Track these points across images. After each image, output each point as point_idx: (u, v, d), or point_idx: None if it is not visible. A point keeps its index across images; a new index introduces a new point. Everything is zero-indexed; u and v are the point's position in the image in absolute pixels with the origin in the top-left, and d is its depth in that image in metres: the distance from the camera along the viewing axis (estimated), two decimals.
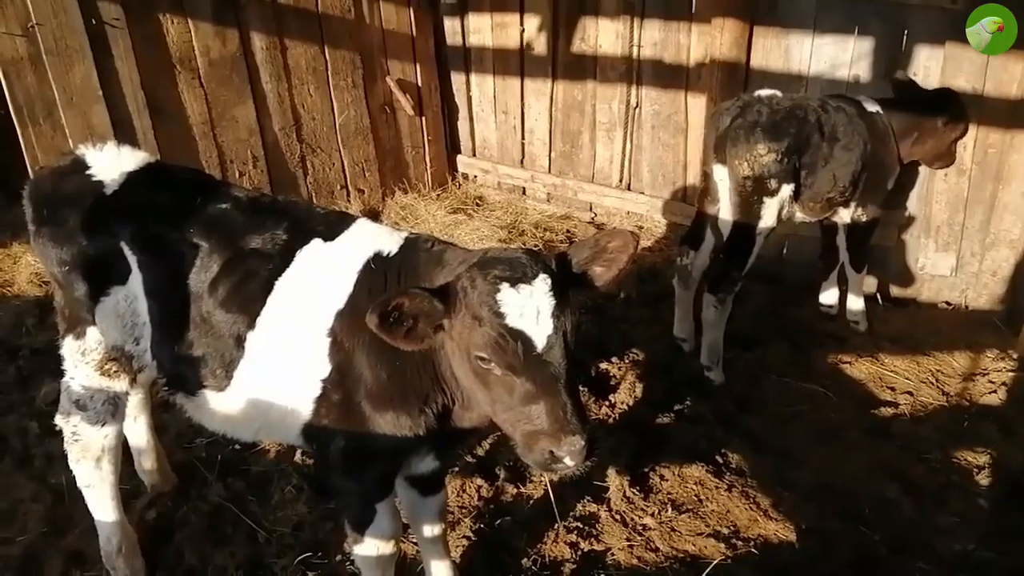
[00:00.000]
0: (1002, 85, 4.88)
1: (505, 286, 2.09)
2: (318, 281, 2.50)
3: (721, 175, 4.47)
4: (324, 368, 2.44)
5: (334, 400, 2.45)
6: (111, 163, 2.77)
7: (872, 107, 4.70)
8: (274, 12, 5.70)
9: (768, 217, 4.37)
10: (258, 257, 2.55)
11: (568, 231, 6.70)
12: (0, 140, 5.44)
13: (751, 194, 4.32)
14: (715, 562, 3.35)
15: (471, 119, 7.33)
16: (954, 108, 4.76)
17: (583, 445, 2.08)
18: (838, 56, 5.36)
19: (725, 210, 4.50)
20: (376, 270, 2.45)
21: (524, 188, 7.26)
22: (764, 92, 4.46)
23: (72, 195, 2.70)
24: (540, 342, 2.09)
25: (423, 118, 7.02)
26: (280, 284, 2.51)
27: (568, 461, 2.10)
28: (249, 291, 2.53)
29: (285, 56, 5.86)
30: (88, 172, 2.74)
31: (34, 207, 2.78)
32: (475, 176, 7.49)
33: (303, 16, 5.89)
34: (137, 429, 3.48)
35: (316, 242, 2.57)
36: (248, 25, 5.58)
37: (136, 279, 2.67)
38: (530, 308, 2.09)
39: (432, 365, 2.40)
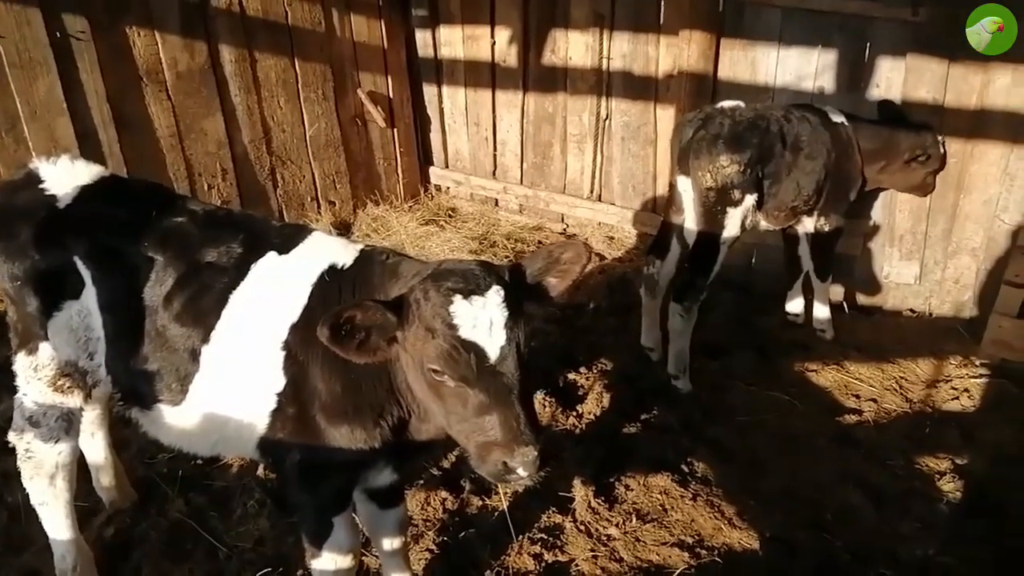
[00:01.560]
0: (962, 96, 4.97)
1: (458, 298, 2.10)
2: (272, 294, 2.49)
3: (685, 186, 4.51)
4: (279, 381, 2.43)
5: (289, 413, 2.44)
6: (64, 177, 2.75)
7: (837, 117, 4.77)
8: (243, 24, 5.69)
9: (732, 227, 4.42)
10: (213, 270, 2.54)
11: (540, 242, 6.73)
12: None
13: (714, 204, 4.37)
14: (679, 571, 3.37)
15: (443, 131, 7.34)
16: (924, 146, 4.85)
17: (536, 456, 2.09)
18: (803, 68, 5.43)
19: (690, 220, 4.55)
20: (330, 283, 2.45)
21: (497, 199, 7.29)
22: (727, 104, 4.52)
23: (24, 209, 2.67)
24: (493, 353, 2.10)
25: (395, 130, 7.02)
26: (235, 297, 2.50)
27: (521, 472, 2.11)
28: (204, 304, 2.52)
29: (255, 68, 5.85)
30: (41, 186, 2.71)
31: None
32: (448, 187, 7.51)
33: (273, 28, 5.88)
34: (95, 445, 3.43)
35: (271, 255, 2.56)
36: (217, 37, 5.56)
37: (90, 293, 2.64)
38: (483, 320, 2.10)
39: (387, 377, 2.40)
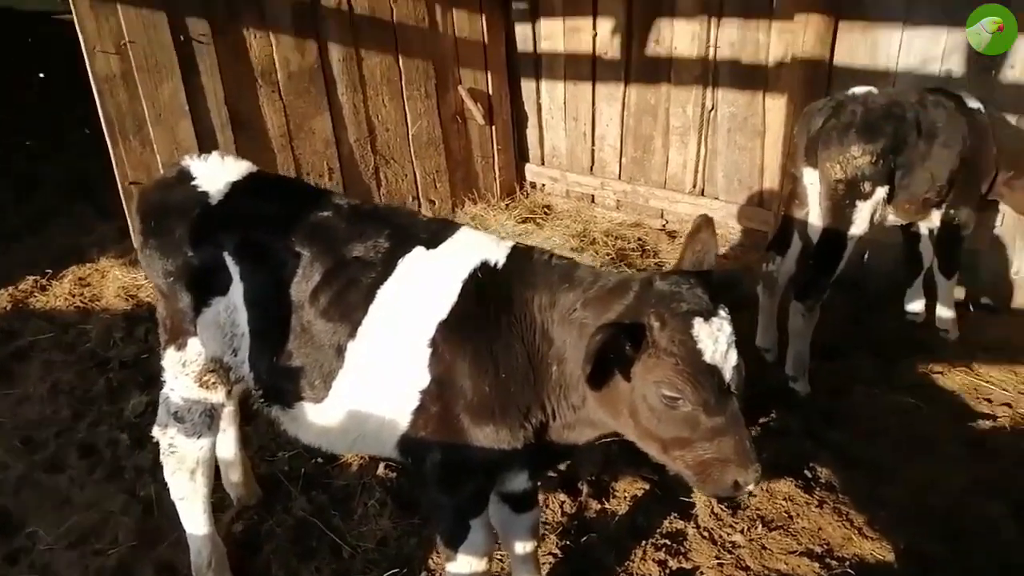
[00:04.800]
0: None
1: (698, 321, 2.05)
2: (420, 290, 2.46)
3: (812, 178, 4.33)
4: (424, 379, 2.41)
5: (432, 412, 2.42)
6: (216, 173, 2.80)
7: (974, 103, 4.48)
8: (351, 23, 5.79)
9: (861, 221, 4.20)
10: (360, 265, 2.53)
11: (639, 239, 6.61)
12: (89, 155, 5.65)
13: (843, 198, 4.17)
14: None
15: (540, 127, 7.31)
16: None
17: (761, 470, 2.12)
18: (930, 50, 5.14)
19: (815, 215, 4.36)
20: (483, 280, 2.41)
21: (593, 196, 7.20)
22: (859, 90, 4.29)
23: (178, 206, 2.73)
24: (728, 375, 2.08)
25: (493, 127, 7.03)
26: (382, 293, 2.49)
27: (751, 487, 2.15)
28: (350, 300, 2.52)
29: (361, 67, 5.94)
30: (193, 183, 2.77)
31: (142, 219, 2.82)
32: (543, 185, 7.47)
33: (378, 26, 5.96)
34: (226, 442, 3.49)
35: (419, 250, 2.53)
36: (327, 36, 5.67)
37: (237, 289, 2.68)
38: (721, 342, 2.07)
39: (533, 379, 2.36)
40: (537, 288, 2.35)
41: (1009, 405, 4.45)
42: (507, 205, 7.10)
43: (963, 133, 4.31)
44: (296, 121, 5.65)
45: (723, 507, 3.66)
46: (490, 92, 6.91)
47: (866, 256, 5.83)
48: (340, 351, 2.53)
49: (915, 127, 4.15)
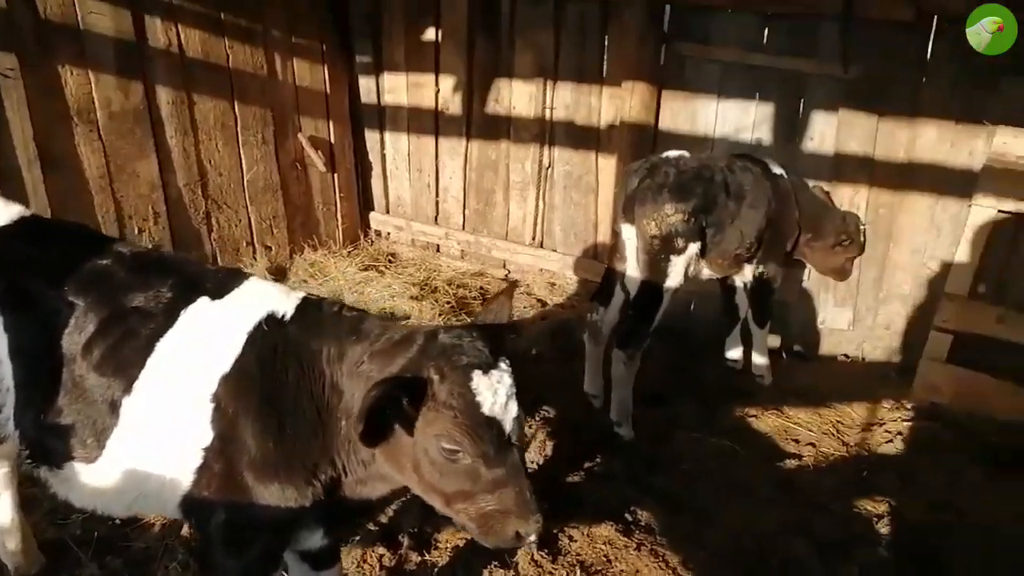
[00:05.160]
0: (890, 150, 5.18)
1: (477, 374, 2.07)
2: (203, 342, 2.35)
3: (629, 234, 4.53)
4: (206, 436, 2.28)
5: (216, 470, 2.29)
6: None
7: (777, 169, 4.88)
8: (182, 65, 5.58)
9: (675, 275, 4.44)
10: (139, 316, 2.39)
11: (481, 288, 6.68)
12: None
13: (659, 252, 4.39)
14: None
15: (385, 176, 7.31)
16: (849, 231, 5.02)
17: (542, 520, 2.14)
18: (742, 120, 5.59)
19: (633, 268, 4.56)
20: (269, 332, 2.33)
21: (438, 245, 7.24)
22: (672, 153, 4.57)
23: None
24: (508, 427, 2.10)
25: (335, 175, 6.95)
26: (162, 345, 2.35)
27: (533, 538, 2.15)
28: (127, 353, 2.36)
29: (192, 110, 5.73)
30: None
31: None
32: (388, 233, 7.44)
33: (212, 70, 5.79)
34: (1, 506, 3.15)
35: (203, 300, 2.42)
36: (154, 78, 5.43)
37: (1, 341, 2.46)
38: (501, 394, 2.09)
39: (322, 434, 2.29)
40: (326, 340, 2.31)
41: (813, 445, 4.78)
42: (349, 252, 7.00)
43: (768, 195, 4.67)
44: (118, 162, 5.34)
45: (543, 554, 3.66)
46: (332, 141, 6.85)
47: (692, 306, 6.17)
48: (114, 407, 2.36)
49: (724, 188, 4.46)
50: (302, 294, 2.51)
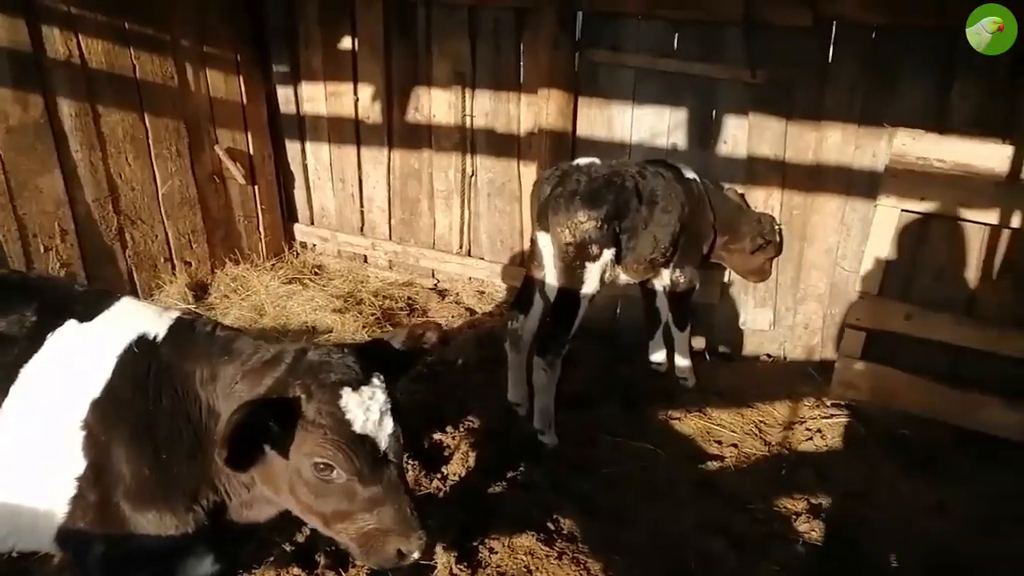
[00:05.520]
0: (799, 152, 5.30)
1: (347, 391, 2.03)
2: (71, 367, 2.25)
3: (545, 242, 4.53)
4: (78, 465, 2.18)
5: (91, 500, 2.19)
6: None
7: (690, 174, 4.93)
8: (85, 77, 5.38)
9: (591, 281, 4.45)
10: (1, 341, 2.27)
11: (410, 298, 6.61)
12: None
13: (574, 260, 4.40)
14: None
15: (308, 187, 7.18)
16: (764, 233, 5.10)
17: (426, 536, 2.11)
18: (657, 125, 5.65)
19: (550, 275, 4.56)
20: (140, 354, 2.25)
21: (366, 256, 7.15)
22: (582, 161, 4.59)
23: None
24: (383, 443, 2.07)
25: (256, 187, 6.80)
26: (26, 371, 2.24)
27: (416, 555, 2.12)
28: None
29: (98, 123, 5.53)
30: None
31: None
32: (314, 244, 7.31)
33: (118, 82, 5.60)
34: None
35: (71, 324, 2.32)
36: (54, 90, 5.23)
37: None
38: (373, 410, 2.05)
39: (200, 460, 2.21)
40: (198, 361, 2.24)
41: (736, 445, 4.84)
42: (273, 265, 6.85)
43: (681, 200, 4.72)
44: (19, 179, 5.12)
45: (462, 567, 3.62)
46: (251, 152, 6.70)
47: (618, 310, 6.21)
48: None
49: (636, 194, 4.48)
50: (176, 314, 2.43)
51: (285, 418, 2.01)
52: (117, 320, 2.36)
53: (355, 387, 2.05)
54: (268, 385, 2.09)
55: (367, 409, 2.04)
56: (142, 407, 2.19)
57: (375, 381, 2.10)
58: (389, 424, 2.09)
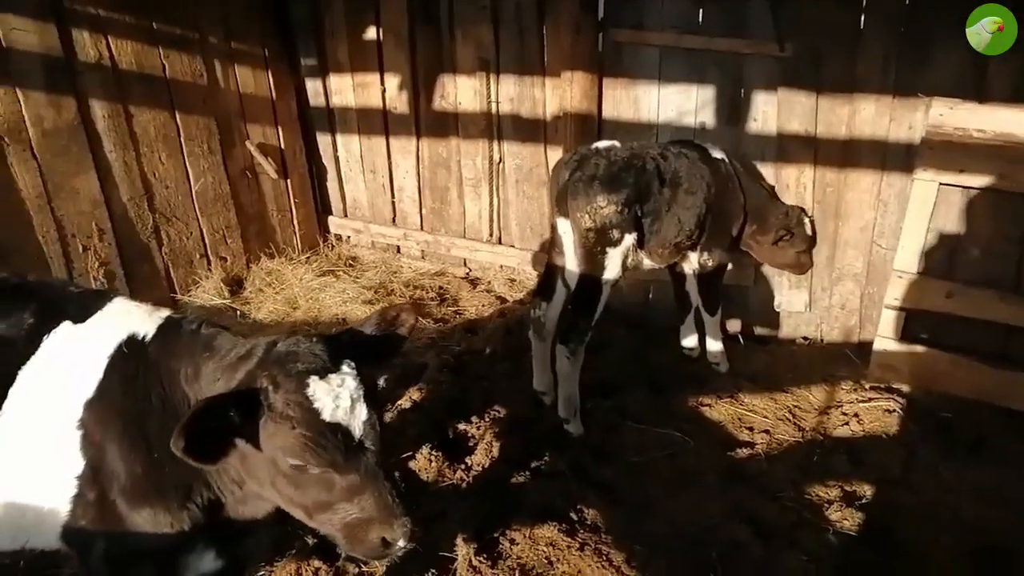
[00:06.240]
0: (832, 127, 5.10)
1: (314, 379, 2.01)
2: (66, 368, 2.30)
3: (565, 228, 4.47)
4: (77, 464, 2.24)
5: (90, 499, 2.24)
6: None
7: (717, 154, 4.79)
8: (116, 78, 5.50)
9: (613, 267, 4.37)
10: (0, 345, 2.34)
11: (441, 288, 6.63)
12: None
13: (594, 245, 4.32)
14: None
15: (340, 179, 7.24)
16: (788, 225, 4.90)
17: (411, 523, 2.08)
18: (684, 104, 5.51)
19: (571, 262, 4.50)
20: (129, 354, 2.29)
21: (398, 246, 7.18)
22: (602, 144, 4.50)
23: None
24: (358, 431, 2.05)
25: (288, 181, 6.88)
26: (24, 373, 2.30)
27: (402, 543, 2.09)
28: None
29: (131, 123, 5.66)
30: None
31: None
32: (348, 236, 7.37)
33: (149, 82, 5.72)
34: None
35: (66, 325, 2.37)
36: (86, 93, 5.36)
37: None
38: (344, 398, 2.03)
39: None
40: (183, 359, 2.26)
41: (768, 432, 4.72)
42: (308, 258, 6.94)
43: (707, 180, 4.57)
44: (56, 180, 5.28)
45: (482, 558, 3.61)
46: (282, 146, 6.78)
47: (650, 294, 6.11)
48: None
49: (657, 176, 4.37)
50: (166, 313, 2.46)
51: (247, 410, 2.01)
52: (109, 321, 2.40)
53: (322, 375, 2.02)
54: (239, 379, 2.10)
55: (336, 397, 2.02)
56: (132, 406, 2.23)
57: (345, 368, 2.07)
58: (362, 411, 2.06)
